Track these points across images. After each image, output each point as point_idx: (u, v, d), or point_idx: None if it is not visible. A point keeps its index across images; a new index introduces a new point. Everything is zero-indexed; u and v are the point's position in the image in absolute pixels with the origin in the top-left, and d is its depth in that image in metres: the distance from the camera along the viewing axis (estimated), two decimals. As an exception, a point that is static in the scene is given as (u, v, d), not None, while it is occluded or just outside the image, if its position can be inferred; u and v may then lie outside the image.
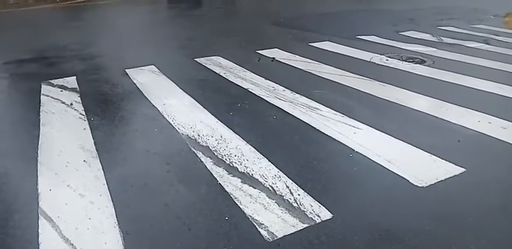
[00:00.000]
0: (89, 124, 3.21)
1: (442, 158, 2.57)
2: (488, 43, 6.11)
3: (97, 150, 2.76)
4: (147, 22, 8.98)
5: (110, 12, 10.72)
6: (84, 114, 3.42)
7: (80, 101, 3.73)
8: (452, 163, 2.52)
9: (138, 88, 4.07)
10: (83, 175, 2.45)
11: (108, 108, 3.57)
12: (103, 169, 2.50)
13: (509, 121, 3.16)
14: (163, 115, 3.34)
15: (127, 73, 4.59)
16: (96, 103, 3.69)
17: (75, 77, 4.47)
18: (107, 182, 2.36)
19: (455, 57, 5.26)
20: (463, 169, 2.45)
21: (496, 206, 2.16)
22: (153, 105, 3.58)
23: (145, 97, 3.81)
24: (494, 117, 3.23)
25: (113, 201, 2.19)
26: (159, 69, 4.72)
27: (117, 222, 2.00)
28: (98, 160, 2.62)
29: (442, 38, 6.43)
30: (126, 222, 2.01)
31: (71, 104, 3.64)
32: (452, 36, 6.57)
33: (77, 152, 2.74)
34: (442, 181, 2.34)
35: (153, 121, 3.26)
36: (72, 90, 4.05)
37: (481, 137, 2.92)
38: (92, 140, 2.91)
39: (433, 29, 7.25)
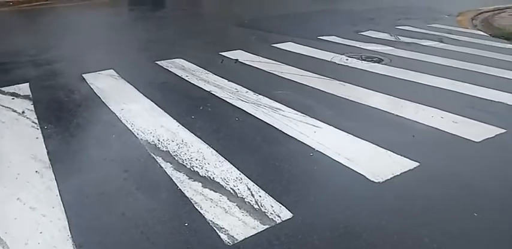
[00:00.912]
0: (42, 132, 3.06)
1: (397, 154, 2.65)
2: (442, 42, 6.39)
3: (50, 160, 2.63)
4: (108, 25, 8.72)
5: (69, 16, 10.34)
6: (37, 122, 3.26)
7: (33, 109, 3.55)
8: (407, 157, 2.61)
9: (96, 93, 3.94)
10: (35, 187, 2.33)
11: (63, 116, 3.43)
12: (56, 180, 2.39)
13: (460, 115, 3.31)
14: (121, 121, 3.25)
15: (84, 79, 4.43)
16: (51, 111, 3.53)
17: (28, 84, 4.26)
18: (60, 194, 2.26)
19: (411, 55, 5.47)
20: (417, 164, 2.54)
21: (448, 198, 2.24)
22: (112, 111, 3.47)
23: (103, 102, 3.69)
24: (446, 112, 3.37)
25: (66, 213, 2.09)
26: (118, 73, 4.59)
27: (70, 235, 1.92)
28: (51, 171, 2.50)
29: (400, 37, 6.66)
30: (80, 234, 1.93)
31: (23, 112, 3.46)
32: (409, 35, 6.82)
33: (29, 162, 2.60)
34: (397, 175, 2.42)
35: (111, 127, 3.17)
36: (25, 97, 3.86)
37: (434, 132, 3.04)
38: (45, 150, 2.77)
39: (391, 28, 7.50)
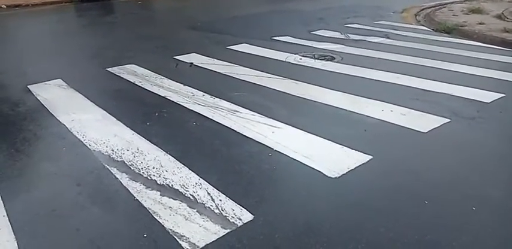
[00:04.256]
0: (-15, 150, 2.87)
1: (351, 148, 2.74)
2: (388, 38, 6.68)
3: (-6, 179, 2.48)
4: (54, 32, 8.32)
5: (11, 23, 9.76)
6: (-22, 139, 3.06)
7: (-26, 125, 3.33)
8: (361, 151, 2.70)
9: (43, 105, 3.75)
10: (-22, 209, 2.18)
11: (8, 130, 3.23)
12: (2, 199, 2.26)
13: (407, 107, 3.48)
14: (72, 132, 3.11)
15: (30, 90, 4.20)
16: (-7, 126, 3.32)
17: (-34, 98, 3.98)
18: (7, 214, 2.13)
19: (361, 52, 5.67)
20: (370, 157, 2.64)
21: (400, 188, 2.35)
22: (60, 122, 3.32)
23: (52, 114, 3.51)
24: (394, 105, 3.52)
25: (15, 234, 1.98)
26: (66, 83, 4.39)
27: (20, 257, 1.81)
28: (-4, 190, 2.36)
29: (349, 35, 6.88)
30: (31, 255, 1.83)
31: (-38, 129, 3.23)
32: (358, 33, 7.07)
33: (-30, 183, 2.43)
34: (352, 169, 2.50)
35: (60, 139, 3.02)
36: (-36, 113, 3.61)
37: (384, 125, 3.17)
38: (-11, 168, 2.61)
39: (341, 27, 7.73)
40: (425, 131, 3.06)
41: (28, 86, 4.32)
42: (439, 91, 3.92)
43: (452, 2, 11.27)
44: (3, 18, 10.43)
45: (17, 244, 1.91)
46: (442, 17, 8.65)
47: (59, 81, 4.46)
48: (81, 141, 2.96)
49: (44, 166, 2.66)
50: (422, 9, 10.31)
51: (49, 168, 2.62)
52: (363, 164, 2.56)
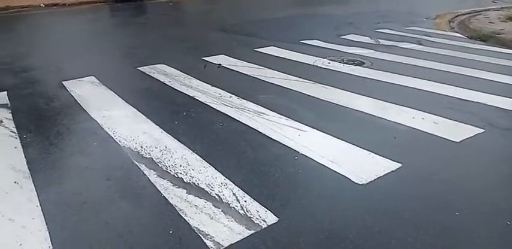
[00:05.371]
0: (21, 142, 2.99)
1: (380, 155, 2.68)
2: (421, 44, 6.53)
3: (30, 170, 2.57)
4: (88, 31, 8.61)
5: (47, 22, 10.17)
6: (15, 131, 3.19)
7: (11, 118, 3.47)
8: (390, 159, 2.64)
9: (77, 100, 3.87)
10: (14, 198, 2.27)
11: (43, 124, 3.36)
12: (36, 190, 2.34)
13: (439, 116, 3.38)
14: (103, 128, 3.20)
15: (64, 86, 4.35)
16: (30, 119, 3.46)
17: (5, 92, 4.16)
18: (40, 204, 2.20)
19: (391, 57, 5.57)
20: (399, 164, 2.57)
21: (431, 198, 2.28)
22: (92, 118, 3.42)
23: (84, 110, 3.62)
24: (426, 113, 3.43)
25: (47, 224, 2.04)
26: (99, 80, 4.52)
27: (51, 247, 1.87)
28: (31, 181, 2.44)
29: (380, 40, 6.78)
30: (62, 245, 1.88)
31: (1, 121, 3.38)
32: (389, 38, 6.95)
33: (7, 173, 2.53)
34: (380, 177, 2.44)
35: (92, 135, 3.11)
36: (3, 106, 3.77)
37: (415, 133, 3.09)
38: (24, 160, 2.71)
39: (371, 31, 7.62)
40: (458, 140, 2.96)
41: (63, 82, 4.47)
42: (473, 100, 3.79)
43: (488, 9, 10.92)
44: (41, 17, 10.87)
45: (49, 234, 1.96)
46: (477, 24, 8.39)
47: (92, 78, 4.60)
48: (112, 137, 3.03)
49: (75, 160, 2.74)
50: (457, 16, 10.04)
51: (80, 162, 2.70)
52: (392, 171, 2.50)
